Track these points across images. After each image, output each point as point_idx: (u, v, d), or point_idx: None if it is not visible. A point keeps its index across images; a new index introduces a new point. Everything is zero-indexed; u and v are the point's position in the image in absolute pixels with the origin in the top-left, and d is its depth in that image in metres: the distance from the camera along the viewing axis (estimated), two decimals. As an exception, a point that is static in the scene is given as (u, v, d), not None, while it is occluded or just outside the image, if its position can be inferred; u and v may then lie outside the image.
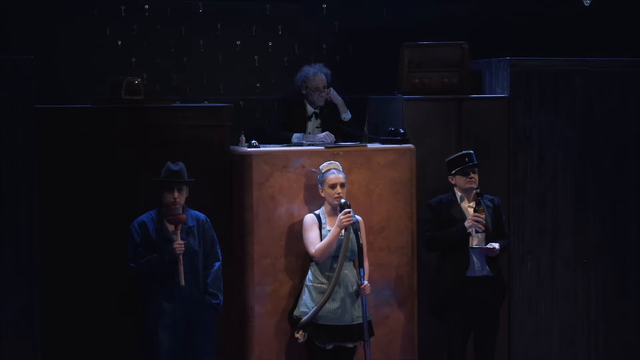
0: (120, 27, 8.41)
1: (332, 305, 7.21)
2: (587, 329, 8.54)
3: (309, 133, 8.10)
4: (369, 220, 7.59)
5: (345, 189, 7.30)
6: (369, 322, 7.30)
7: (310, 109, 8.19)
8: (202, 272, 7.09)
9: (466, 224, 7.49)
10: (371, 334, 7.32)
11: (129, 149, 7.33)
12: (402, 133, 7.82)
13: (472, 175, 7.60)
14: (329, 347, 7.23)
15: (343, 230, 7.19)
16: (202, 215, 7.17)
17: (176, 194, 7.01)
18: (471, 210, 7.57)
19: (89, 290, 7.23)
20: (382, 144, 7.83)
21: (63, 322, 7.21)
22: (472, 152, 7.66)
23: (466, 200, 7.64)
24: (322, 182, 7.32)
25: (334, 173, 7.29)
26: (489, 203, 7.65)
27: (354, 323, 7.27)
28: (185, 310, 7.00)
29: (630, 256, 8.61)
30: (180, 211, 7.06)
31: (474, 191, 7.59)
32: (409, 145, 7.80)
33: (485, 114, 8.30)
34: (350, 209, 7.19)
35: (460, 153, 7.69)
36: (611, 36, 9.34)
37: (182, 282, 6.94)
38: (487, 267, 7.56)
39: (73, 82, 8.22)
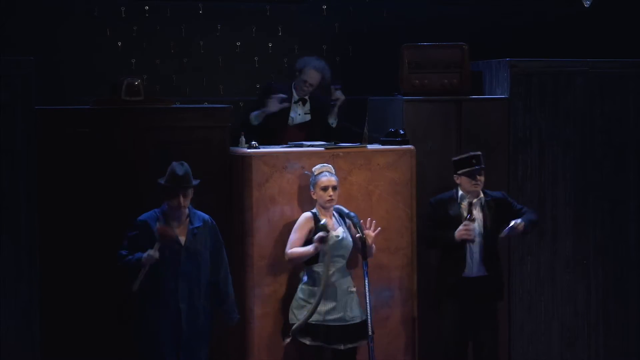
0: (121, 28, 8.43)
1: (325, 307, 7.19)
2: (587, 330, 8.54)
3: (298, 115, 8.22)
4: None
5: (337, 192, 7.29)
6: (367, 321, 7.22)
7: (295, 96, 8.23)
8: (211, 277, 7.01)
9: (456, 234, 7.46)
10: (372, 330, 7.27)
11: (129, 150, 7.32)
12: (402, 134, 7.82)
13: (478, 178, 7.56)
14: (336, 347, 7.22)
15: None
16: (207, 216, 7.08)
17: (182, 199, 6.88)
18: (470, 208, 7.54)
19: (88, 291, 7.22)
20: (382, 144, 7.83)
21: (62, 322, 7.20)
22: (480, 154, 7.58)
23: (467, 200, 7.61)
24: (314, 184, 7.30)
25: (326, 175, 7.28)
26: (491, 203, 7.61)
27: (351, 323, 7.23)
28: (183, 312, 6.92)
29: (630, 256, 8.62)
30: (174, 232, 6.87)
31: (467, 201, 7.53)
32: (409, 146, 7.80)
33: (486, 115, 8.30)
34: (328, 233, 7.14)
35: (468, 154, 7.59)
36: (611, 37, 9.35)
37: (135, 288, 6.79)
38: (483, 267, 7.55)
39: (73, 83, 8.23)
